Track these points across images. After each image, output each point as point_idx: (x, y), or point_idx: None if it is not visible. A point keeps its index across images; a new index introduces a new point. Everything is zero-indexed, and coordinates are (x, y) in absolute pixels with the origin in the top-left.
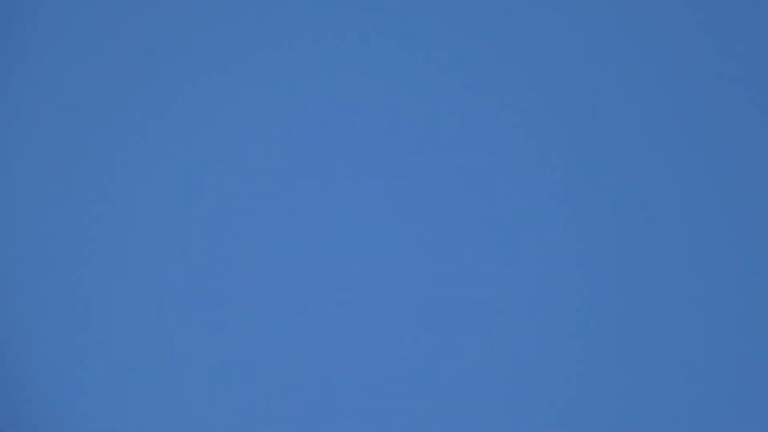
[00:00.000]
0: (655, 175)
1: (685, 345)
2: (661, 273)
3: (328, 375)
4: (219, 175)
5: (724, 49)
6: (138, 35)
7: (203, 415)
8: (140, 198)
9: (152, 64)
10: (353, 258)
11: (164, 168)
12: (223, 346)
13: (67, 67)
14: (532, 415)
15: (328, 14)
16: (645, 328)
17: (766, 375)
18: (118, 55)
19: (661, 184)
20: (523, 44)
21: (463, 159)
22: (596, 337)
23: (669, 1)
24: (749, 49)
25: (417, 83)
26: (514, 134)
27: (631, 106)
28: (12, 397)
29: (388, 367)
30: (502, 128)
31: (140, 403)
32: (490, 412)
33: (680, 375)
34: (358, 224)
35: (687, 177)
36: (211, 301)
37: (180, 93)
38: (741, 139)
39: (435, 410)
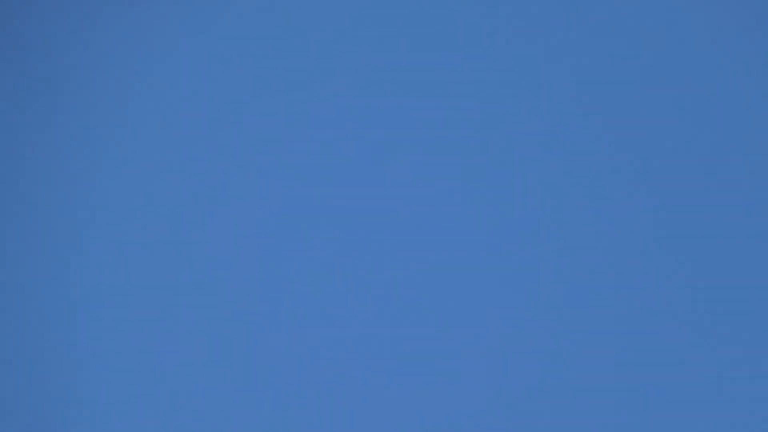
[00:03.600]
0: (656, 175)
1: (691, 348)
2: (667, 275)
3: (330, 377)
4: (220, 175)
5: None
6: (136, 35)
7: (206, 417)
8: (140, 198)
9: (152, 63)
10: (356, 258)
11: (161, 167)
12: (225, 347)
13: (63, 64)
14: (535, 417)
15: (330, 15)
16: (653, 330)
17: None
18: (119, 53)
19: (664, 184)
20: (522, 45)
21: (462, 159)
22: (601, 339)
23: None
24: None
25: (416, 83)
26: (516, 135)
27: (632, 107)
28: (18, 396)
29: (391, 370)
30: (503, 129)
31: (141, 405)
32: (491, 414)
33: (685, 378)
34: (358, 224)
35: (690, 178)
36: (213, 304)
37: (174, 91)
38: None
39: (436, 412)
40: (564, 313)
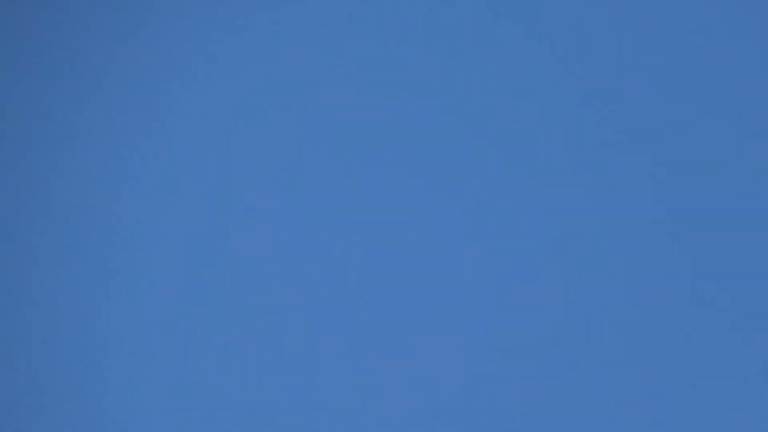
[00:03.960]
0: (663, 177)
1: (694, 352)
2: (672, 279)
3: (332, 378)
4: (225, 176)
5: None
6: (141, 40)
7: (209, 418)
8: (142, 198)
9: (157, 68)
10: (359, 261)
11: (164, 169)
12: (227, 349)
13: (72, 70)
14: (536, 419)
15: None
16: (658, 335)
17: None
18: (128, 59)
19: (671, 186)
20: (527, 45)
21: (465, 160)
22: (604, 342)
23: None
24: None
25: (418, 85)
26: (520, 137)
27: (637, 107)
28: (27, 395)
29: (394, 372)
30: (506, 130)
31: (144, 405)
32: (492, 415)
33: (690, 381)
34: (362, 226)
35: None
36: (217, 307)
37: (180, 94)
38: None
39: (438, 414)
40: (568, 315)
